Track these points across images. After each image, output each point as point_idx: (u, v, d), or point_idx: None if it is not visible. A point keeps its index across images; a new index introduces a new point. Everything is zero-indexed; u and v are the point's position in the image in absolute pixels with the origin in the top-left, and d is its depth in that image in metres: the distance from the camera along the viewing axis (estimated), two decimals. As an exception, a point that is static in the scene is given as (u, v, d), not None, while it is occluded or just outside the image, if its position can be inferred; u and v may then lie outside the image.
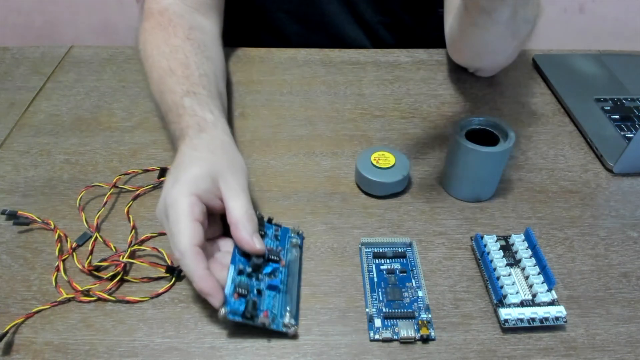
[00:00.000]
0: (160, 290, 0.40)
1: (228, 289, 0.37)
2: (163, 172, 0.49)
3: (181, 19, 0.54)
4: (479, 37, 0.53)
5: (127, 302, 0.39)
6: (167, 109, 0.47)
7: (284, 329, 0.36)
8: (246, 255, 0.39)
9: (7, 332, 0.36)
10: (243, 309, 0.36)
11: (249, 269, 0.38)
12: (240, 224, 0.38)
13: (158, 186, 0.49)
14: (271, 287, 0.38)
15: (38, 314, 0.38)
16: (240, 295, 0.36)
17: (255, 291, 0.38)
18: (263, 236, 0.42)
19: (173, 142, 0.46)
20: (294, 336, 0.37)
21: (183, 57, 0.50)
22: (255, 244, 0.38)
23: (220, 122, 0.46)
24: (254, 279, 0.38)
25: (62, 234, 0.44)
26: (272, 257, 0.40)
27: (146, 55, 0.52)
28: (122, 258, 0.41)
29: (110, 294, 0.39)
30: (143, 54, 0.53)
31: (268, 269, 0.39)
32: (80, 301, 0.39)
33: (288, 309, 0.37)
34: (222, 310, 0.35)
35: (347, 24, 0.70)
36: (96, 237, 0.43)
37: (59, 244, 0.43)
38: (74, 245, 0.42)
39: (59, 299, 0.39)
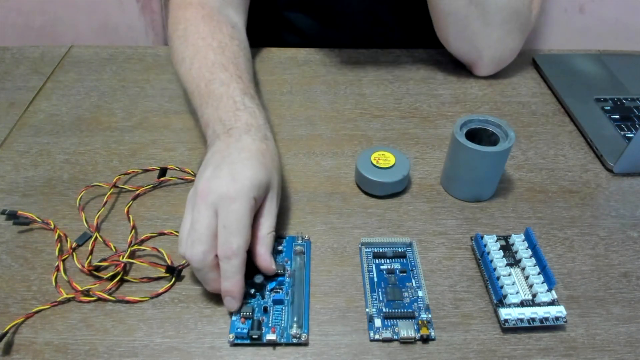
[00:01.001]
0: (160, 290, 0.40)
1: (234, 314, 0.38)
2: (163, 172, 0.49)
3: (221, 16, 0.55)
4: (443, 7, 0.56)
5: (127, 302, 0.39)
6: (216, 99, 0.46)
7: (294, 340, 0.37)
8: (248, 276, 0.40)
9: (7, 332, 0.36)
10: (247, 331, 0.36)
11: (252, 290, 0.39)
12: (265, 241, 0.39)
13: (158, 186, 0.49)
14: (276, 302, 0.39)
15: (38, 314, 0.38)
16: (246, 318, 0.37)
17: (262, 309, 0.38)
18: None
19: (216, 130, 0.44)
20: (306, 343, 0.37)
21: (232, 56, 0.50)
22: (272, 264, 0.39)
23: (272, 135, 0.46)
24: (259, 298, 0.39)
25: (62, 234, 0.44)
26: (277, 271, 0.40)
27: (187, 43, 0.52)
28: (122, 258, 0.41)
29: (110, 294, 0.39)
30: (183, 42, 0.53)
31: (272, 284, 0.40)
32: (80, 301, 0.39)
33: (295, 319, 0.37)
34: (230, 337, 0.36)
35: (362, 22, 0.70)
36: (96, 237, 0.43)
37: (59, 244, 0.43)
38: (73, 245, 0.42)
39: (58, 299, 0.39)
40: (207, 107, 0.46)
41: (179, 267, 0.41)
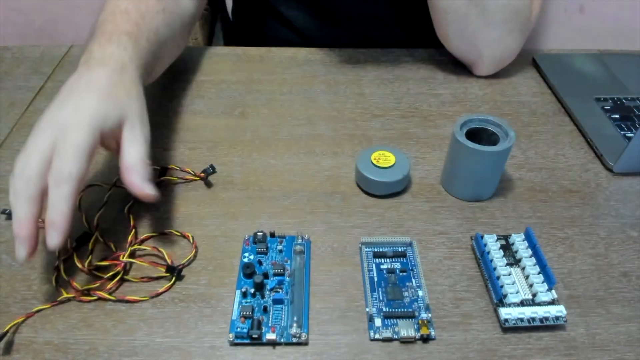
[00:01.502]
0: (160, 290, 0.40)
1: (234, 314, 0.38)
2: (163, 171, 0.49)
3: None
4: (443, 6, 0.56)
5: (127, 301, 0.39)
6: (99, 34, 0.45)
7: (294, 340, 0.37)
8: (248, 276, 0.40)
9: (7, 331, 0.36)
10: (247, 331, 0.36)
11: (252, 289, 0.39)
12: (133, 169, 0.38)
13: (158, 185, 0.49)
14: (276, 301, 0.39)
15: (38, 314, 0.38)
16: (246, 317, 0.37)
17: (261, 309, 0.38)
18: (266, 252, 0.42)
19: (86, 57, 0.44)
20: (306, 343, 0.37)
21: (144, 8, 0.49)
22: (145, 188, 0.38)
23: (144, 76, 0.45)
24: (259, 297, 0.39)
25: None
26: (277, 270, 0.40)
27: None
28: (122, 258, 0.41)
29: (110, 294, 0.39)
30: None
31: (273, 284, 0.40)
32: (81, 301, 0.39)
33: (295, 318, 0.37)
34: (230, 336, 0.36)
35: (362, 20, 0.70)
36: (96, 237, 0.43)
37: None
38: (74, 245, 0.42)
39: (59, 299, 0.39)
40: (93, 41, 0.45)
41: (179, 267, 0.41)
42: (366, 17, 0.70)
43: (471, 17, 0.57)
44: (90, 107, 0.38)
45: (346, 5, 0.69)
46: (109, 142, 0.40)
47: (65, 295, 0.39)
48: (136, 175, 0.38)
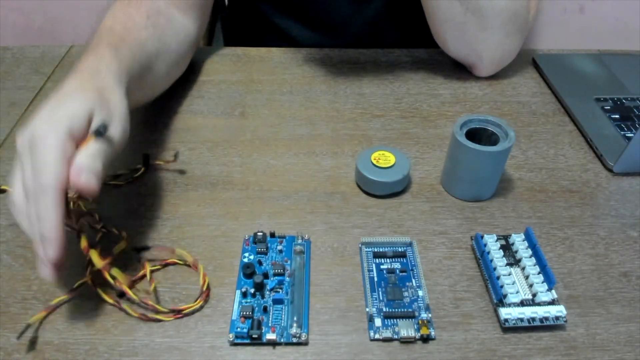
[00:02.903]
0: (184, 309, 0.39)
1: (234, 314, 0.38)
2: (146, 159, 0.49)
3: (153, 4, 0.54)
4: (440, 15, 0.57)
5: (147, 305, 0.39)
6: (85, 51, 0.45)
7: (294, 340, 0.37)
8: (248, 276, 0.40)
9: (29, 325, 0.37)
10: (247, 331, 0.36)
11: (252, 289, 0.39)
12: (80, 169, 0.35)
13: (146, 174, 0.49)
14: (276, 301, 0.39)
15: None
16: (246, 317, 0.37)
17: (261, 309, 0.38)
18: (266, 252, 0.42)
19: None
20: (306, 343, 0.37)
21: (131, 25, 0.50)
22: (90, 184, 0.35)
23: (128, 82, 0.44)
24: (259, 297, 0.39)
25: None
26: (277, 270, 0.40)
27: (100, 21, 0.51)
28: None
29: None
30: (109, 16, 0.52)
31: (273, 284, 0.40)
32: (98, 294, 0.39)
33: (295, 318, 0.37)
34: (230, 336, 0.36)
35: (353, 27, 0.70)
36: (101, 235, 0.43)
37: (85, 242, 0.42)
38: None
39: (75, 286, 0.39)
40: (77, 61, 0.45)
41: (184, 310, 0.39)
42: (360, 23, 0.70)
43: (469, 24, 0.57)
44: (54, 112, 0.36)
45: (339, 14, 0.69)
46: (79, 139, 0.37)
47: (84, 279, 0.39)
48: (83, 174, 0.35)
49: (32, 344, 0.36)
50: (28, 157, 0.35)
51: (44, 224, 0.33)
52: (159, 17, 0.54)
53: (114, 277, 0.37)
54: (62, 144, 0.35)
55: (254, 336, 0.36)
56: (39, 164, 0.34)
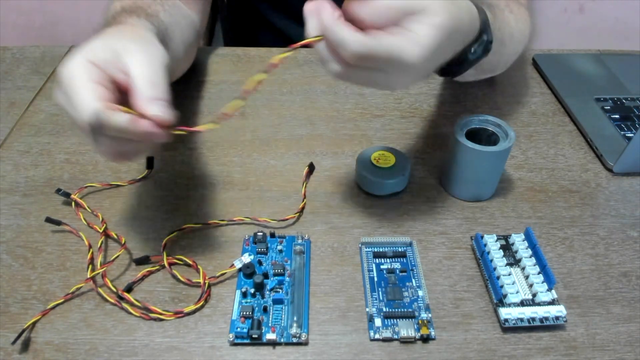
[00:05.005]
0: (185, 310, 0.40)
1: (234, 314, 0.38)
2: (150, 162, 0.49)
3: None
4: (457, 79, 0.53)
5: (128, 301, 0.39)
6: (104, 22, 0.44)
7: (294, 340, 0.37)
8: (248, 276, 0.40)
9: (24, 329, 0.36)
10: (247, 331, 0.36)
11: (252, 289, 0.39)
12: (148, 108, 0.33)
13: (149, 177, 0.49)
14: (276, 301, 0.39)
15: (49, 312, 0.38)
16: (246, 317, 0.37)
17: (261, 309, 0.38)
18: (266, 252, 0.42)
19: None
20: (306, 343, 0.37)
21: (140, 2, 0.47)
22: (155, 109, 0.33)
23: (158, 35, 0.42)
24: (259, 297, 0.39)
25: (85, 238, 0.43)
26: (277, 270, 0.40)
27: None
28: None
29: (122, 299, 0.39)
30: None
31: (273, 284, 0.40)
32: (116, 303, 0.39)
33: (295, 318, 0.37)
34: (230, 336, 0.36)
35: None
36: (104, 239, 0.43)
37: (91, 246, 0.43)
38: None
39: (72, 291, 0.39)
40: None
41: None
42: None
43: (481, 76, 0.55)
44: (76, 53, 0.35)
45: None
46: (119, 77, 0.35)
47: (82, 284, 0.39)
48: (150, 114, 0.33)
49: (32, 344, 0.36)
50: (66, 103, 0.34)
51: (100, 151, 0.34)
52: (169, 2, 0.52)
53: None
54: (86, 70, 0.34)
55: (254, 336, 0.36)
56: (71, 100, 0.33)
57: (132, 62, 0.35)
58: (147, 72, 0.35)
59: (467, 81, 0.56)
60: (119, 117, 0.32)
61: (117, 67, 0.35)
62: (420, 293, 0.40)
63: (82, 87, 0.33)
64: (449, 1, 0.34)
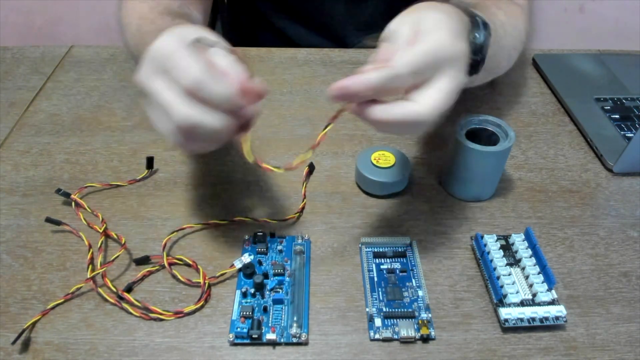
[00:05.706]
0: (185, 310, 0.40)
1: (234, 314, 0.38)
2: (150, 162, 0.49)
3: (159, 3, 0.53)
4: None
5: (129, 302, 0.39)
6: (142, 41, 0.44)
7: (294, 340, 0.37)
8: (248, 276, 0.40)
9: (25, 329, 0.36)
10: (247, 331, 0.37)
11: (252, 290, 0.39)
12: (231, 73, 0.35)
13: (149, 177, 0.49)
14: (276, 301, 0.39)
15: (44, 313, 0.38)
16: (246, 317, 0.38)
17: (261, 309, 0.38)
18: (266, 252, 0.42)
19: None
20: (306, 343, 0.37)
21: (168, 17, 0.48)
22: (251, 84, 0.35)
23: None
24: (259, 298, 0.39)
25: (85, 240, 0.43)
26: (277, 270, 0.40)
27: (125, 22, 0.51)
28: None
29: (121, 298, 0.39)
30: (124, 21, 0.52)
31: (273, 284, 0.40)
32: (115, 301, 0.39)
33: (295, 318, 0.38)
34: (230, 336, 0.36)
35: (349, 27, 0.70)
36: (104, 240, 0.43)
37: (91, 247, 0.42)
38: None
39: (71, 291, 0.39)
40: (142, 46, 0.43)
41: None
42: (355, 23, 0.70)
43: (492, 72, 0.54)
44: (169, 35, 0.35)
45: (335, 13, 0.69)
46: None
47: (81, 284, 0.39)
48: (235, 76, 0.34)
49: (32, 344, 0.36)
50: (164, 74, 0.34)
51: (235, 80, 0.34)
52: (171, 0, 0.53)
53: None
54: (182, 43, 0.34)
55: (254, 336, 0.36)
56: (172, 71, 0.33)
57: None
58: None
59: (475, 85, 0.56)
60: (222, 90, 0.34)
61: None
62: (420, 293, 0.40)
63: (186, 55, 0.33)
64: (444, 31, 0.36)
